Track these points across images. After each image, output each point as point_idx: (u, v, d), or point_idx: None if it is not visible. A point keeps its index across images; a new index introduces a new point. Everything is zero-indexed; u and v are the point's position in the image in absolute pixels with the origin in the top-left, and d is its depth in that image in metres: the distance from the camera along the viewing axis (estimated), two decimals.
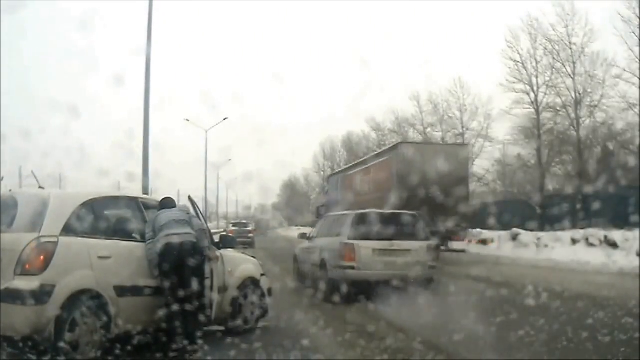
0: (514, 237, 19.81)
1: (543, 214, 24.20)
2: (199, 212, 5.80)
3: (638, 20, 21.64)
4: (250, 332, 5.82)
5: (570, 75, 25.51)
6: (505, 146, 30.64)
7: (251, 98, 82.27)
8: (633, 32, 21.79)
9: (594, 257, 14.89)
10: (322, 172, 48.00)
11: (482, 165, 32.50)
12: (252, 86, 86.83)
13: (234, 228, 29.29)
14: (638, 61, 21.93)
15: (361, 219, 9.04)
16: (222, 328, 5.82)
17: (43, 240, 4.37)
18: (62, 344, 4.17)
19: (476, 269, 13.05)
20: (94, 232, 4.80)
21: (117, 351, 4.56)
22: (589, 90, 25.23)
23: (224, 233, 14.23)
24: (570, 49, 25.34)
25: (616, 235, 15.85)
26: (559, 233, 18.08)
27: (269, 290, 6.37)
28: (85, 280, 4.52)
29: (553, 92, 26.25)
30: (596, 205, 19.56)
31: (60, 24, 64.11)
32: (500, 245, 19.97)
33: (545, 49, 26.08)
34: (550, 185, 29.03)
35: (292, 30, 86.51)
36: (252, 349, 4.87)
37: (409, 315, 6.57)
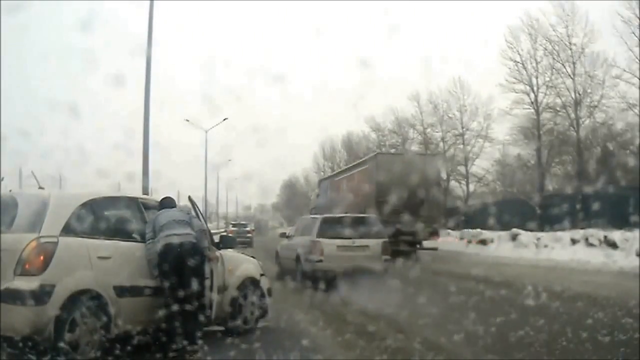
0: (514, 237, 19.84)
1: (543, 214, 24.20)
2: (199, 213, 5.80)
3: (638, 20, 21.66)
4: (250, 332, 5.82)
5: (570, 75, 25.54)
6: (505, 146, 30.73)
7: (251, 98, 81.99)
8: (633, 33, 21.81)
9: (594, 257, 14.91)
10: (322, 172, 47.87)
11: (481, 165, 32.61)
12: (252, 86, 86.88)
13: (233, 228, 30.89)
14: (638, 61, 21.95)
15: (327, 221, 11.07)
16: (221, 328, 5.82)
17: (43, 240, 4.37)
18: (61, 344, 4.17)
19: (476, 269, 13.05)
20: (93, 232, 4.80)
21: (117, 351, 4.57)
22: (589, 91, 25.27)
23: (225, 233, 14.67)
24: (570, 49, 25.37)
25: (616, 235, 15.86)
26: (559, 233, 18.10)
27: (269, 290, 6.37)
28: (85, 281, 4.52)
29: (553, 93, 26.30)
30: (596, 206, 19.56)
31: (61, 24, 64.01)
32: (500, 246, 20.01)
33: (545, 49, 26.13)
34: (550, 186, 29.06)
35: (292, 30, 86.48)
36: (252, 349, 4.87)
37: (409, 315, 6.58)
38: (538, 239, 18.82)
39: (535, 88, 26.66)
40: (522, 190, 28.28)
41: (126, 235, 5.17)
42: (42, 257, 4.32)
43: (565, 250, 16.71)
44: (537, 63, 26.58)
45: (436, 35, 55.91)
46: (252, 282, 6.14)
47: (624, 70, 22.88)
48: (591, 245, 16.43)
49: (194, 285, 5.04)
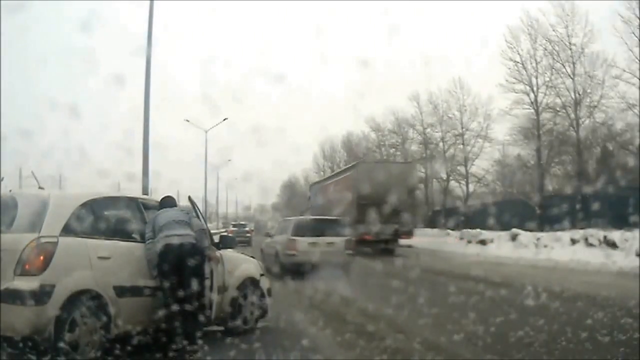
0: (514, 238, 19.85)
1: (542, 214, 24.22)
2: (199, 213, 5.80)
3: (638, 20, 21.66)
4: (249, 332, 5.82)
5: (569, 75, 25.54)
6: (505, 146, 30.78)
7: (251, 98, 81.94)
8: (633, 33, 21.81)
9: (594, 257, 14.91)
10: (321, 173, 47.87)
11: (481, 165, 32.63)
12: (252, 86, 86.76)
13: (234, 228, 32.35)
14: (638, 61, 21.95)
15: (300, 223, 13.36)
16: (221, 328, 5.82)
17: (43, 240, 4.37)
18: (61, 344, 4.17)
19: (475, 269, 13.06)
20: (93, 233, 4.80)
21: (117, 351, 4.57)
22: (589, 91, 25.27)
23: (225, 233, 15.39)
24: (570, 49, 25.37)
25: (615, 235, 15.87)
26: (559, 233, 18.11)
27: (269, 290, 6.37)
28: (85, 281, 4.52)
29: (553, 93, 26.31)
30: (595, 206, 19.56)
31: (61, 24, 63.95)
32: (500, 246, 20.02)
33: (545, 49, 26.13)
34: (550, 186, 29.08)
35: (292, 30, 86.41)
36: (252, 349, 4.88)
37: (409, 315, 6.58)
38: (538, 239, 18.83)
39: (535, 88, 26.69)
40: (522, 191, 28.30)
41: (126, 235, 5.17)
42: (42, 257, 4.32)
43: (565, 251, 16.71)
44: (537, 63, 26.61)
45: (436, 35, 55.95)
46: (252, 282, 6.14)
47: (624, 70, 22.90)
48: (591, 245, 16.44)
49: (194, 285, 5.03)
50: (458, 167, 33.57)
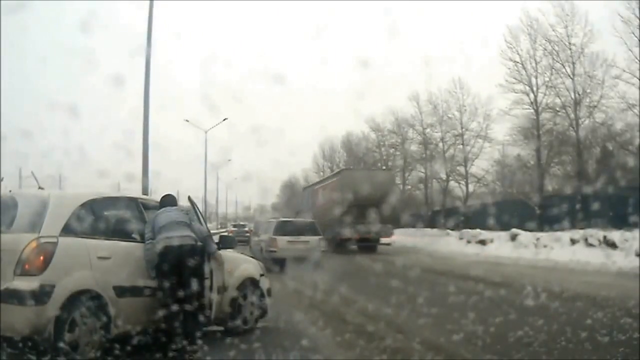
0: (513, 238, 19.84)
1: (542, 214, 24.22)
2: (198, 213, 5.80)
3: (637, 20, 21.65)
4: (249, 332, 5.83)
5: (569, 75, 25.51)
6: (505, 147, 30.72)
7: (251, 98, 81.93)
8: (632, 33, 21.77)
9: (593, 257, 14.91)
10: (321, 173, 47.80)
11: (481, 165, 32.61)
12: (252, 86, 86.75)
13: (234, 229, 34.10)
14: (637, 61, 21.93)
15: (281, 223, 15.82)
16: (221, 328, 5.83)
17: (43, 240, 4.37)
18: (61, 344, 4.17)
19: (475, 269, 13.08)
20: (93, 233, 4.80)
21: (117, 351, 4.57)
22: (589, 91, 25.22)
23: (226, 233, 16.34)
24: (570, 49, 25.34)
25: (615, 235, 15.86)
26: (558, 233, 18.10)
27: (268, 291, 6.38)
28: (85, 281, 4.53)
29: (552, 93, 26.25)
30: (595, 206, 19.57)
31: (61, 24, 63.93)
32: (499, 246, 20.01)
33: (545, 49, 26.08)
34: (550, 186, 29.05)
35: (292, 30, 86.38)
36: (252, 349, 4.88)
37: (409, 315, 6.59)
38: (537, 239, 18.82)
39: (534, 88, 26.64)
40: (522, 191, 28.28)
41: (126, 236, 5.17)
42: (42, 257, 4.32)
43: (564, 251, 16.70)
44: (536, 63, 26.56)
45: (436, 35, 55.95)
46: (251, 283, 6.14)
47: (624, 71, 22.84)
48: (591, 245, 16.43)
49: (194, 285, 5.03)
50: (458, 167, 33.54)
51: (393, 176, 28.03)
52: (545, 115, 26.76)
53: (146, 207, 5.54)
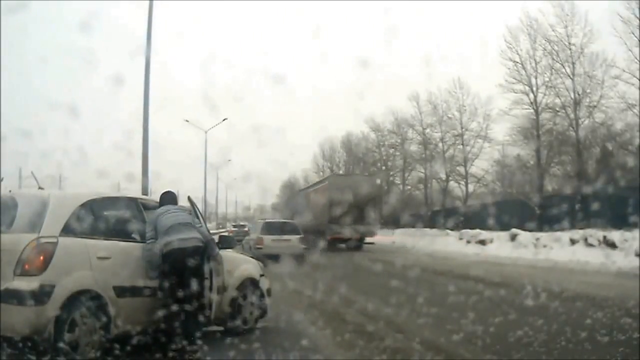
0: (513, 238, 19.84)
1: (542, 214, 24.22)
2: (198, 214, 5.80)
3: (637, 20, 21.66)
4: (249, 332, 5.83)
5: (569, 75, 25.53)
6: (504, 147, 30.77)
7: (251, 98, 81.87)
8: (632, 33, 21.80)
9: (593, 257, 14.90)
10: (321, 173, 47.82)
11: (481, 165, 32.64)
12: (252, 86, 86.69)
13: (234, 229, 35.59)
14: (637, 62, 21.95)
15: (266, 224, 18.15)
16: (221, 328, 5.83)
17: (42, 240, 4.37)
18: (61, 344, 4.17)
19: (475, 269, 13.07)
20: (93, 233, 4.79)
21: (117, 351, 4.57)
22: (588, 91, 25.25)
23: (226, 233, 18.11)
24: (570, 49, 25.36)
25: (615, 235, 15.85)
26: (558, 233, 18.09)
27: (268, 291, 6.37)
28: (85, 281, 4.52)
29: (552, 93, 26.30)
30: (595, 206, 19.58)
31: (61, 24, 63.91)
32: (499, 246, 20.01)
33: (545, 49, 26.12)
34: (549, 186, 29.06)
35: (292, 30, 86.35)
36: (252, 349, 4.88)
37: (408, 315, 6.59)
38: (537, 239, 18.81)
39: (534, 88, 26.69)
40: (522, 191, 28.31)
41: (126, 236, 5.17)
42: (42, 258, 4.32)
43: (564, 251, 16.69)
44: (536, 63, 26.61)
45: (436, 35, 55.84)
46: (251, 283, 6.14)
47: (623, 71, 22.89)
48: (590, 245, 16.43)
49: (194, 285, 5.03)
50: (457, 167, 33.59)
51: (377, 181, 28.87)
52: (545, 116, 26.81)
53: (146, 207, 5.53)
